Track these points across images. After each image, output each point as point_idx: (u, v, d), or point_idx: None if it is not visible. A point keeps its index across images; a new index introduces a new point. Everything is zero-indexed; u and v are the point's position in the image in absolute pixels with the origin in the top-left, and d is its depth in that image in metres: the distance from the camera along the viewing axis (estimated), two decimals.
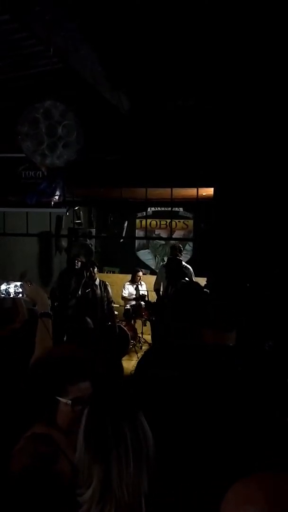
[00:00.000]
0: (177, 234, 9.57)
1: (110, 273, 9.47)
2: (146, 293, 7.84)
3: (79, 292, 6.26)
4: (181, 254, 7.06)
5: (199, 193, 4.53)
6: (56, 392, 1.56)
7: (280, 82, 3.46)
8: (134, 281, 7.98)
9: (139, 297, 7.50)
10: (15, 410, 1.74)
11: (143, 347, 7.54)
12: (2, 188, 4.27)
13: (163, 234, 9.71)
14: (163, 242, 9.68)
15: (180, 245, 7.27)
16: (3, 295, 2.26)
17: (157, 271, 8.06)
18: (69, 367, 1.61)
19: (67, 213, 6.88)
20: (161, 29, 2.85)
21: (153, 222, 9.71)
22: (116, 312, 7.77)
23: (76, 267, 6.85)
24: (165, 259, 9.04)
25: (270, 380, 1.73)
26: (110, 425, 1.18)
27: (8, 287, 2.26)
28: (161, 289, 7.01)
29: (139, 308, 7.58)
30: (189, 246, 9.55)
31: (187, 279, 5.93)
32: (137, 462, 1.15)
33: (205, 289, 5.35)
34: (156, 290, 7.21)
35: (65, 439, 1.51)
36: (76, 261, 6.92)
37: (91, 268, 6.65)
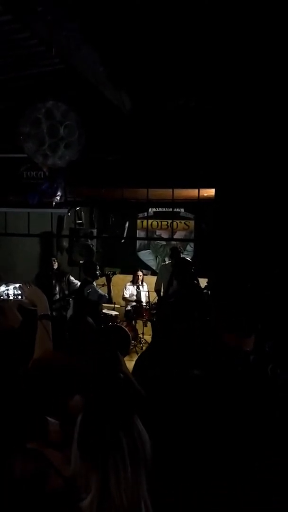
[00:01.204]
0: (178, 234, 9.56)
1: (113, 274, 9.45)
2: (147, 294, 7.84)
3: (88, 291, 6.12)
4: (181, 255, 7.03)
5: (200, 194, 4.53)
6: (46, 411, 1.53)
7: (280, 83, 3.46)
8: (135, 281, 7.98)
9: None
10: (11, 416, 1.73)
11: (144, 348, 7.54)
12: (4, 188, 4.27)
13: (164, 234, 9.71)
14: (164, 242, 9.68)
15: (180, 246, 7.23)
16: (1, 297, 2.24)
17: (157, 271, 8.03)
18: (59, 385, 1.59)
19: (68, 214, 6.88)
20: (161, 29, 2.85)
21: (154, 223, 9.71)
22: (117, 313, 7.77)
23: (54, 267, 6.77)
24: (166, 259, 9.03)
25: (270, 380, 1.73)
26: (105, 432, 1.16)
27: (7, 289, 2.25)
28: (162, 290, 6.98)
29: (140, 309, 7.58)
30: (190, 247, 9.55)
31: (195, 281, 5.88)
32: (135, 467, 1.13)
33: (205, 290, 5.34)
34: (157, 291, 7.19)
35: (57, 455, 1.48)
36: (53, 261, 6.85)
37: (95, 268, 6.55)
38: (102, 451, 1.14)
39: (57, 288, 6.55)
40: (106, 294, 6.00)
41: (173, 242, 9.25)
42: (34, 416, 1.54)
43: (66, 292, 6.60)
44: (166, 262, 7.57)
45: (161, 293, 6.98)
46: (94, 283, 6.11)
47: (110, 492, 1.10)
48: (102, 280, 6.50)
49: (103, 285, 6.36)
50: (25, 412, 1.59)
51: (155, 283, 7.32)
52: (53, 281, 6.55)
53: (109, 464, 1.12)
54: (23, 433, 1.54)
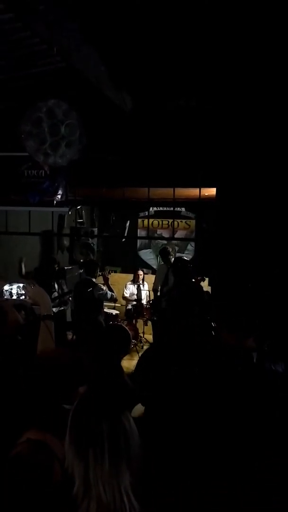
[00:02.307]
0: (179, 234, 9.56)
1: (111, 272, 9.46)
2: (147, 293, 7.84)
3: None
4: (173, 256, 6.99)
5: (201, 193, 4.53)
6: (61, 400, 1.55)
7: (280, 83, 3.46)
8: (135, 280, 7.98)
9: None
10: (12, 412, 1.74)
11: (144, 347, 7.54)
12: (5, 187, 4.27)
13: (165, 234, 9.70)
14: (165, 241, 9.66)
15: (169, 248, 7.20)
16: (5, 297, 2.25)
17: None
18: (72, 375, 1.60)
19: (69, 212, 6.87)
20: (162, 29, 2.85)
21: (155, 222, 9.71)
22: (118, 312, 7.77)
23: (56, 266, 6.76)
24: None
25: (270, 380, 1.73)
26: (90, 424, 1.19)
27: (11, 288, 2.26)
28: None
29: (141, 308, 7.58)
30: (191, 246, 9.55)
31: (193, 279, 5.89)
32: (114, 461, 1.16)
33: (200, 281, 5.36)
34: (155, 290, 7.18)
35: (60, 445, 1.50)
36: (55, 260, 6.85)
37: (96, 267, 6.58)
38: (85, 442, 1.18)
39: (56, 286, 6.55)
40: (114, 293, 6.11)
41: (173, 242, 9.26)
42: (44, 403, 1.56)
43: (64, 287, 6.60)
44: (163, 262, 7.56)
45: (158, 293, 6.97)
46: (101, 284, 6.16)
47: (90, 483, 1.13)
48: (100, 279, 6.51)
49: (103, 284, 6.38)
50: (30, 406, 1.60)
51: (153, 283, 7.33)
52: (53, 281, 6.55)
53: (89, 455, 1.16)
54: (28, 425, 1.55)
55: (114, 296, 6.22)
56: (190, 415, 1.44)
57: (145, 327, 7.76)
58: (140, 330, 7.73)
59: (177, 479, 1.30)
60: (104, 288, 6.02)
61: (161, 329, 6.23)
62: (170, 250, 7.03)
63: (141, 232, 9.87)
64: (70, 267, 6.73)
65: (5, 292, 2.26)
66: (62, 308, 6.40)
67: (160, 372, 1.65)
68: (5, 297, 2.27)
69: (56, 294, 6.29)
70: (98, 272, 6.34)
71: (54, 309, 6.04)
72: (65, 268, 6.88)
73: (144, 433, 1.27)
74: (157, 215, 9.70)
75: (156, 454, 1.19)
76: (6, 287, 2.26)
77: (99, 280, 6.37)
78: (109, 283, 6.25)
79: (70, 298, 6.59)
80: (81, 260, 7.17)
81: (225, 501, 1.28)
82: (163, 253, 6.98)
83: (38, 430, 1.52)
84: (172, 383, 1.53)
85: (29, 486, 1.34)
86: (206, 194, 5.46)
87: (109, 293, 6.01)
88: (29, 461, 1.40)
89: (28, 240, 6.68)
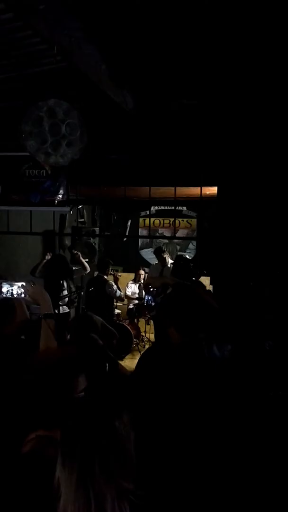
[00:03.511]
0: (180, 233, 9.55)
1: (113, 271, 9.46)
2: None
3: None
4: (165, 254, 7.03)
5: (202, 192, 4.52)
6: (64, 397, 1.54)
7: (281, 82, 3.45)
8: (137, 280, 7.99)
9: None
10: (15, 411, 1.73)
11: (146, 346, 7.55)
12: (6, 186, 4.28)
13: (167, 233, 9.69)
14: (166, 240, 9.66)
15: (163, 246, 7.24)
16: (5, 295, 2.25)
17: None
18: (72, 373, 1.60)
19: (71, 212, 6.87)
20: (163, 28, 2.84)
21: (157, 221, 9.70)
22: (119, 311, 7.78)
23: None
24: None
25: (271, 379, 1.73)
26: (82, 437, 1.13)
27: (11, 288, 2.26)
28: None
29: (142, 307, 7.58)
30: (192, 245, 9.53)
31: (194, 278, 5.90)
32: (102, 473, 1.08)
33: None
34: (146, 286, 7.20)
35: None
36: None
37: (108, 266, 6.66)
38: (73, 456, 1.12)
39: (65, 284, 6.56)
40: (122, 293, 6.47)
41: (175, 241, 9.25)
42: (42, 407, 1.54)
43: (72, 287, 6.61)
44: (155, 263, 7.60)
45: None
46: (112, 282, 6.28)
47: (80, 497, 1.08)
48: (109, 278, 6.61)
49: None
50: (33, 405, 1.59)
51: (145, 281, 7.36)
52: (63, 281, 6.54)
53: (76, 473, 1.10)
54: (34, 424, 1.54)
55: (122, 296, 6.37)
56: (187, 414, 1.44)
57: (147, 326, 7.76)
58: (142, 329, 7.73)
59: (177, 479, 1.30)
60: (115, 286, 6.17)
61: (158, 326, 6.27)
62: (165, 248, 7.12)
63: (142, 231, 9.87)
64: (78, 267, 6.75)
65: (5, 292, 2.25)
66: (68, 311, 6.41)
67: (155, 369, 1.65)
68: (4, 295, 2.26)
69: (65, 292, 6.29)
70: (110, 271, 6.48)
71: (61, 308, 6.08)
72: (74, 268, 6.88)
73: (144, 433, 1.26)
74: (158, 214, 9.69)
75: (156, 454, 1.18)
76: (6, 287, 2.25)
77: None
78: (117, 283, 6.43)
79: (76, 299, 6.60)
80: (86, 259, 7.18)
81: (225, 501, 1.28)
82: (157, 252, 7.05)
83: (46, 427, 1.51)
84: (165, 381, 1.53)
85: (41, 482, 1.32)
86: (207, 193, 5.45)
87: (118, 291, 6.15)
88: (40, 457, 1.39)
89: (30, 239, 6.68)
